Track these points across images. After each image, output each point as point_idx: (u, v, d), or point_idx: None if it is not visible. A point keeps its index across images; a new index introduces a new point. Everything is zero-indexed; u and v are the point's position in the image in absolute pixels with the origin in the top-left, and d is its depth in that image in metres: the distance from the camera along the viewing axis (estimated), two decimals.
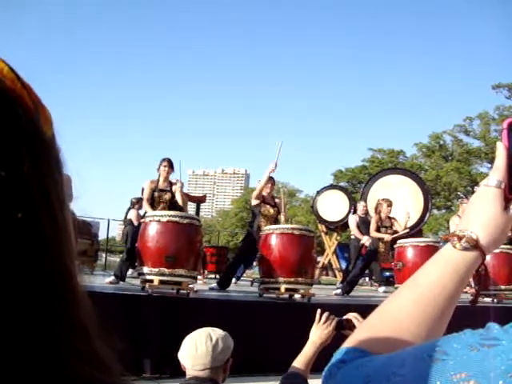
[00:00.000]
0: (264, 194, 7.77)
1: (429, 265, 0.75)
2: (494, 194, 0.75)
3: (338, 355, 0.68)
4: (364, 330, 0.72)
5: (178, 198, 7.21)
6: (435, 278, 0.72)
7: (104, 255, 16.29)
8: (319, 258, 13.36)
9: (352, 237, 10.47)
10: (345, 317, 2.13)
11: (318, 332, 2.15)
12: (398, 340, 0.68)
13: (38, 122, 0.39)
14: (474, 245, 0.73)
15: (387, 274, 10.78)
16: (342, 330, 2.11)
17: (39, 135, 0.38)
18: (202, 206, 14.08)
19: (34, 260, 0.35)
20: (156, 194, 7.16)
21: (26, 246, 0.34)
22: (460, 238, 0.73)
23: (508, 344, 0.50)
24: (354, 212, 12.61)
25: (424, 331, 0.69)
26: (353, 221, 9.90)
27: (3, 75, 0.37)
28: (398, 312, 0.71)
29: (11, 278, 0.34)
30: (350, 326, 2.08)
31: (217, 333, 2.19)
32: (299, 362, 2.12)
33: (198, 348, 2.10)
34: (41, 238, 0.35)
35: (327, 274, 20.24)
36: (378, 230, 8.89)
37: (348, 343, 0.70)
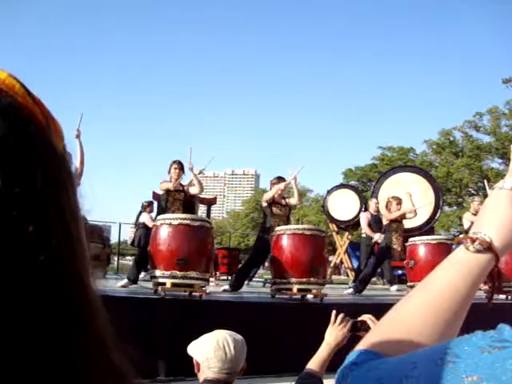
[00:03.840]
0: (275, 195, 7.76)
1: (441, 267, 0.74)
2: (508, 196, 0.75)
3: (350, 357, 0.69)
4: (377, 332, 0.72)
5: (196, 184, 7.25)
6: (448, 281, 0.71)
7: (116, 258, 16.37)
8: (331, 258, 13.34)
9: (363, 235, 10.45)
10: (359, 318, 2.15)
11: (334, 333, 2.15)
12: (411, 342, 0.68)
13: (50, 136, 0.39)
14: (488, 247, 0.72)
15: (399, 272, 10.75)
16: (357, 331, 2.12)
17: (51, 150, 0.38)
18: (213, 207, 14.11)
19: (50, 272, 0.35)
20: (170, 194, 7.21)
21: (42, 260, 0.35)
22: (473, 240, 0.72)
23: None
24: (366, 210, 12.64)
25: (437, 334, 0.69)
26: (364, 218, 9.91)
27: (15, 92, 0.38)
28: (411, 314, 0.71)
29: (26, 290, 0.34)
30: (365, 328, 2.09)
31: (238, 337, 2.21)
32: (314, 364, 2.12)
33: (227, 352, 2.09)
34: (55, 251, 0.36)
35: (339, 274, 20.22)
36: (388, 225, 8.92)
37: (361, 345, 0.70)
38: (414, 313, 0.71)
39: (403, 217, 9.05)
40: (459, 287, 0.71)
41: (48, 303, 0.36)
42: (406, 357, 0.61)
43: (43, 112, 0.39)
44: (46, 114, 0.40)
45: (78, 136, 6.75)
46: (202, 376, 2.13)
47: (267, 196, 7.79)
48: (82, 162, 6.64)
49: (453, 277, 0.72)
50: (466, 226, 9.69)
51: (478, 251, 0.72)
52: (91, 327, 0.39)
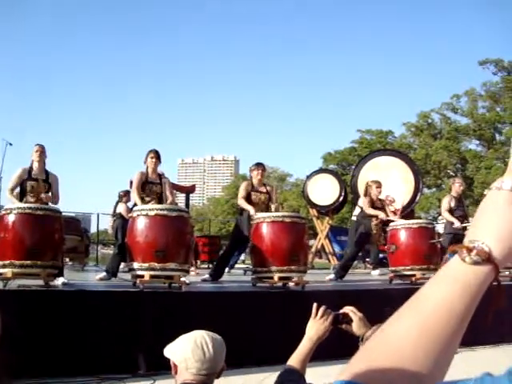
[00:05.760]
0: (254, 181, 7.66)
1: (434, 282, 0.64)
2: (507, 198, 0.65)
3: None
4: (362, 360, 0.62)
5: (168, 195, 7.03)
6: (442, 298, 0.62)
7: (96, 248, 16.28)
8: (312, 241, 13.30)
9: (353, 218, 10.38)
10: (341, 311, 2.10)
11: (315, 327, 2.07)
12: (401, 371, 0.59)
13: None
14: (487, 258, 0.62)
15: (380, 255, 10.78)
16: (339, 324, 2.08)
17: None
18: (193, 194, 14.02)
19: None
20: (146, 186, 6.99)
21: None
22: (470, 251, 0.62)
23: None
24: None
25: (431, 360, 0.59)
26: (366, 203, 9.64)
27: None
28: (400, 339, 0.61)
29: None
30: (347, 320, 2.06)
31: (217, 336, 2.12)
32: (295, 360, 2.04)
33: (206, 352, 2.02)
34: None
35: (320, 257, 20.28)
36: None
37: (344, 376, 0.61)
38: (403, 337, 0.61)
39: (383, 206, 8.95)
40: (455, 305, 0.61)
41: None
42: None
43: None
44: None
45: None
46: (179, 379, 2.05)
47: (240, 194, 7.64)
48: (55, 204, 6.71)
49: (447, 293, 0.62)
50: (443, 210, 9.58)
51: (476, 263, 0.62)
52: None
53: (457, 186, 9.61)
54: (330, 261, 14.42)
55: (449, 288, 0.62)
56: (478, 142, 38.33)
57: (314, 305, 2.12)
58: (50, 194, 6.68)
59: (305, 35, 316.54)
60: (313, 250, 13.92)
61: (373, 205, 8.81)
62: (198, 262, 12.35)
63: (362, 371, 0.60)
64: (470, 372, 0.70)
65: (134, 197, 6.88)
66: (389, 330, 0.63)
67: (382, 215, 8.58)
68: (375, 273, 9.91)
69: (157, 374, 5.08)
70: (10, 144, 8.60)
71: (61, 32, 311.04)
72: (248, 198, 7.52)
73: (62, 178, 7.00)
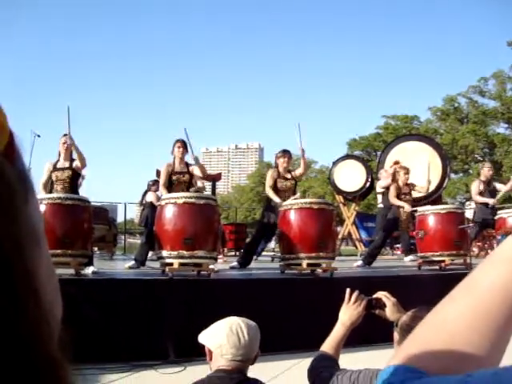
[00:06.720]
0: (280, 168, 7.63)
1: (487, 263, 0.61)
2: None
3: (384, 375, 0.57)
4: (414, 344, 0.60)
5: (198, 173, 7.08)
6: (496, 279, 0.58)
7: (124, 237, 16.37)
8: (339, 228, 13.26)
9: (379, 205, 10.35)
10: (374, 295, 2.08)
11: (348, 312, 2.05)
12: (456, 354, 0.56)
13: None
14: None
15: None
16: (372, 309, 2.07)
17: None
18: (218, 182, 14.02)
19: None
20: (174, 177, 7.04)
21: None
22: None
23: None
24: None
25: (486, 342, 0.56)
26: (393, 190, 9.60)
27: None
28: (453, 321, 0.58)
29: None
30: (380, 305, 2.05)
31: (252, 322, 2.12)
32: (328, 346, 2.02)
33: (241, 338, 2.02)
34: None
35: (347, 244, 20.21)
36: (397, 197, 8.69)
37: (396, 360, 0.58)
38: (457, 319, 0.58)
39: (412, 189, 8.93)
40: (510, 286, 0.57)
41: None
42: (458, 379, 0.50)
43: None
44: None
45: (70, 146, 6.65)
46: (214, 365, 2.05)
47: (268, 183, 7.63)
48: (82, 166, 6.74)
49: (501, 274, 0.58)
50: (473, 194, 9.60)
51: None
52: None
53: (486, 171, 9.57)
54: (357, 247, 14.36)
55: (503, 269, 0.59)
56: (506, 125, 37.66)
57: (347, 290, 2.10)
58: (79, 181, 6.85)
59: (328, 24, 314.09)
60: (340, 236, 13.86)
61: (400, 191, 8.75)
62: (225, 249, 12.37)
63: (415, 355, 0.58)
64: None
65: (162, 190, 6.98)
66: (441, 312, 0.61)
67: (406, 207, 8.50)
68: (407, 259, 9.83)
69: (187, 361, 5.12)
70: (38, 136, 8.69)
71: (81, 18, 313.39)
72: (274, 186, 7.51)
73: (88, 170, 7.09)
